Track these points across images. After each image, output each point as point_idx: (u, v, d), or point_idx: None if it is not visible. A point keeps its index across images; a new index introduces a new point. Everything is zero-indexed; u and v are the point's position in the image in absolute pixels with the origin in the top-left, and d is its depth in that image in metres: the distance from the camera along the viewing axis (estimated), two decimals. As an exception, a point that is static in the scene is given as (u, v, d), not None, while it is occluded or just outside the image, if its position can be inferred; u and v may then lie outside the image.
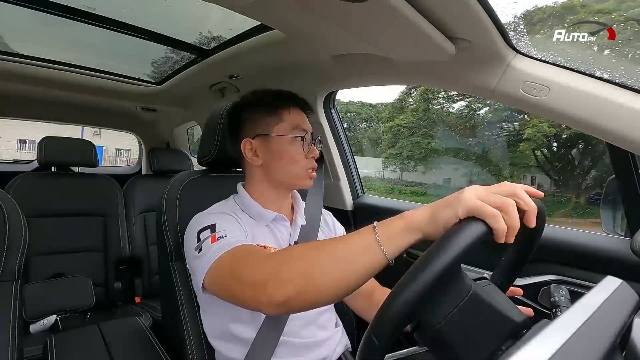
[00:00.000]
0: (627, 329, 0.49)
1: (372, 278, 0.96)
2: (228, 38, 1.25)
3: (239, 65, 1.37)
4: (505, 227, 0.40)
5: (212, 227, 0.69)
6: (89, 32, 1.26)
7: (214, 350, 0.80)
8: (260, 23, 1.07)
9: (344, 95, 12.61)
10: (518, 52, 0.83)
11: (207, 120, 0.98)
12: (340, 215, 1.04)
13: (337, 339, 0.86)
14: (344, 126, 1.49)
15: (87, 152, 1.76)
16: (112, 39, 1.32)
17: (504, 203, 0.39)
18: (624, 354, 0.50)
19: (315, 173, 0.83)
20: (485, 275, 0.56)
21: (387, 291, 0.89)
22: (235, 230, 0.70)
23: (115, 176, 1.92)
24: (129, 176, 2.04)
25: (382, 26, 0.75)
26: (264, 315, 0.74)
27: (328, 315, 0.85)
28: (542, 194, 0.39)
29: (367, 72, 1.14)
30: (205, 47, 1.37)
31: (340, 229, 0.99)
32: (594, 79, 0.75)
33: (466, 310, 0.46)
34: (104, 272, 1.72)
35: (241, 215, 0.79)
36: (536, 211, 0.39)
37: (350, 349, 0.90)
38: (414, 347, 0.78)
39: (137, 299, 1.82)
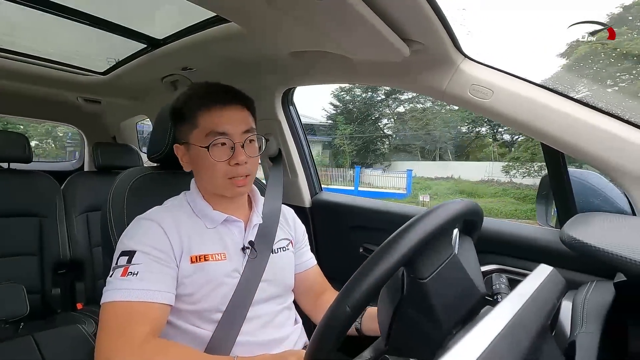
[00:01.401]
0: (556, 311, 0.55)
1: (325, 279, 0.95)
2: (181, 28, 1.19)
3: (192, 58, 1.31)
4: None
5: (130, 256, 0.66)
6: (25, 14, 1.13)
7: None
8: (216, 15, 1.03)
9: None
10: (466, 56, 0.88)
11: (158, 113, 0.93)
12: (298, 212, 1.04)
13: (297, 336, 0.86)
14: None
15: (19, 146, 1.59)
16: (52, 23, 1.20)
17: None
18: (553, 333, 0.55)
19: (245, 180, 0.75)
20: None
21: (335, 294, 0.91)
22: (151, 268, 0.66)
23: (53, 173, 1.76)
24: (70, 173, 1.88)
25: (341, 24, 0.76)
26: (220, 315, 0.72)
27: (286, 314, 0.85)
28: None
29: (325, 70, 1.15)
30: (156, 37, 1.30)
31: (300, 228, 0.98)
32: (532, 85, 0.82)
33: (447, 271, 0.51)
34: (39, 277, 1.57)
35: (185, 218, 0.75)
36: None
37: None
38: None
39: (79, 305, 1.68)
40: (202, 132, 0.73)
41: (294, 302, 0.90)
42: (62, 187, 1.75)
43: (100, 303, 0.64)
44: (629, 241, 0.47)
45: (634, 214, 0.74)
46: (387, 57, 0.90)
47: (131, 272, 0.64)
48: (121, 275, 0.64)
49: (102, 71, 1.73)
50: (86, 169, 2.49)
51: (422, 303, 0.50)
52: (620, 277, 0.59)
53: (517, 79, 0.84)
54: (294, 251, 0.93)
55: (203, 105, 0.73)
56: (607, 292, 0.59)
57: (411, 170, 14.67)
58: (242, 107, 0.77)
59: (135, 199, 0.86)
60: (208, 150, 0.71)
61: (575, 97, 0.79)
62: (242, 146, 0.74)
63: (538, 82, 0.82)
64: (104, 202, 0.86)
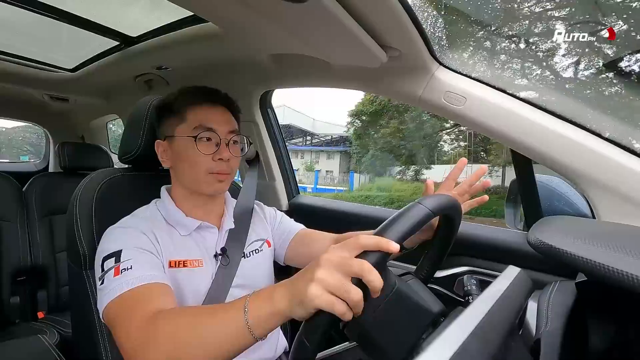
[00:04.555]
0: (523, 310, 0.57)
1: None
2: (156, 26, 1.16)
3: (168, 57, 1.28)
4: (347, 312, 0.42)
5: (118, 256, 0.63)
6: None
7: None
8: (193, 14, 1.01)
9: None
10: (441, 64, 0.91)
11: (131, 112, 0.90)
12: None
13: (276, 338, 0.86)
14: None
15: None
16: (19, 16, 1.13)
17: (348, 296, 0.41)
18: (521, 332, 0.57)
19: (225, 176, 0.76)
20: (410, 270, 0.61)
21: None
22: (142, 259, 0.64)
23: (15, 174, 1.66)
24: (32, 174, 1.78)
25: (320, 29, 0.76)
26: None
27: None
28: (395, 249, 0.43)
29: (303, 74, 1.15)
30: (130, 35, 1.26)
31: (269, 211, 0.99)
32: (503, 93, 0.86)
33: (390, 306, 0.49)
34: None
35: (159, 226, 0.73)
36: (378, 289, 0.42)
37: (288, 349, 0.90)
38: (345, 343, 0.81)
39: (41, 314, 1.59)
40: (189, 125, 0.74)
41: None
42: (23, 188, 1.66)
43: (101, 309, 0.60)
44: (589, 243, 0.49)
45: (593, 217, 0.79)
46: (365, 62, 0.91)
47: (124, 268, 0.61)
48: (114, 276, 0.60)
49: (71, 68, 1.66)
50: (51, 170, 2.37)
51: (363, 341, 0.49)
52: (581, 277, 0.62)
53: (489, 87, 0.87)
54: (273, 236, 0.95)
55: (194, 101, 0.76)
56: (569, 292, 0.62)
57: (353, 171, 19.42)
58: (228, 110, 0.80)
59: (104, 201, 0.82)
60: (195, 141, 0.72)
61: (542, 106, 0.83)
62: (227, 144, 0.76)
63: (510, 91, 0.85)
64: (69, 205, 0.82)
